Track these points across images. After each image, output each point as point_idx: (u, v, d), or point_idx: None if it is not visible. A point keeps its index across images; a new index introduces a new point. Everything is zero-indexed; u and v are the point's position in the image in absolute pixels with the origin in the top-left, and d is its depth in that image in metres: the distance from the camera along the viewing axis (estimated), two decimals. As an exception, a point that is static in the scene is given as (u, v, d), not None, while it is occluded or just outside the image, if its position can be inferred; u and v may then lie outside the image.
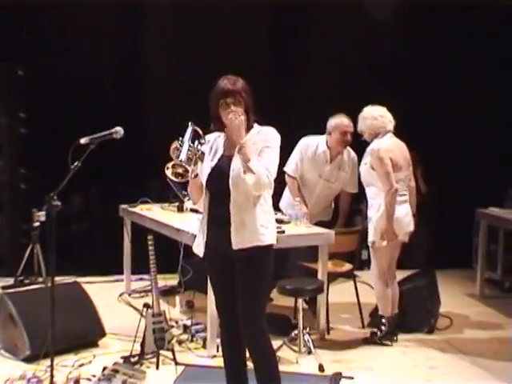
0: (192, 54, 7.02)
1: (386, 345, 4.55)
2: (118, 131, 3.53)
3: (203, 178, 3.14)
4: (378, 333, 4.59)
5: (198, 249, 3.26)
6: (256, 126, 3.18)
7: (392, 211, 4.38)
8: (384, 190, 4.39)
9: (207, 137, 3.20)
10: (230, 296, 3.21)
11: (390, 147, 4.46)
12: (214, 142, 3.22)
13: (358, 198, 7.71)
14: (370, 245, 4.56)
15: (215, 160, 3.16)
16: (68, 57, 6.65)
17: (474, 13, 6.61)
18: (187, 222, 4.67)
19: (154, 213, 5.24)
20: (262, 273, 3.14)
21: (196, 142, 3.07)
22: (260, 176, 3.01)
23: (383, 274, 4.55)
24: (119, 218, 5.56)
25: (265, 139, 3.12)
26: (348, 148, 5.12)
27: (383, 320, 4.58)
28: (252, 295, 3.13)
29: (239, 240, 3.08)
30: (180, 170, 2.92)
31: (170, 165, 2.94)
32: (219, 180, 3.08)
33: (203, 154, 3.10)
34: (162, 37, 7.28)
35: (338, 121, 4.98)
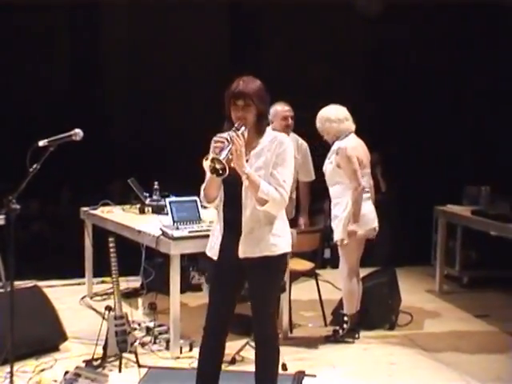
0: (152, 55, 7.02)
1: (348, 342, 4.61)
2: (78, 133, 3.50)
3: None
4: (340, 331, 4.64)
5: (212, 252, 3.14)
6: (268, 130, 3.08)
7: (359, 209, 4.44)
8: (351, 188, 4.44)
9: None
10: (226, 302, 3.16)
11: (355, 146, 4.54)
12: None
13: (321, 197, 7.80)
14: (338, 243, 4.60)
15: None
16: (25, 60, 6.58)
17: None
18: (149, 224, 4.66)
19: (115, 215, 5.20)
20: (272, 281, 3.10)
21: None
22: (274, 199, 2.93)
23: (352, 272, 4.59)
24: (80, 221, 5.50)
25: (280, 150, 3.00)
26: (296, 135, 5.22)
27: (345, 318, 4.63)
28: (264, 302, 3.11)
29: (248, 249, 3.01)
30: (218, 166, 2.81)
31: (209, 157, 2.83)
32: (232, 183, 2.98)
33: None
34: (122, 38, 7.27)
35: (279, 108, 5.09)
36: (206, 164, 2.83)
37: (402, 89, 7.04)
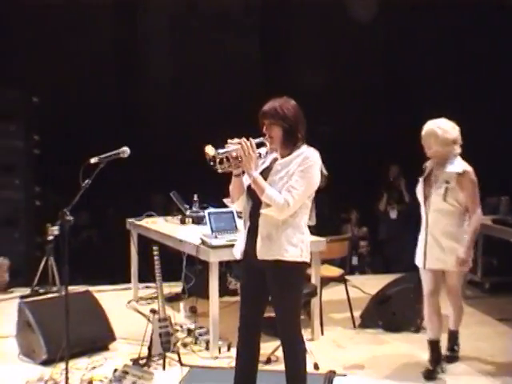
0: (192, 73, 7.08)
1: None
2: (125, 151, 3.55)
3: (245, 185, 3.10)
4: (456, 347, 4.34)
5: (237, 252, 3.20)
6: (303, 147, 3.08)
7: (476, 234, 3.95)
8: (475, 213, 3.89)
9: (260, 150, 3.10)
10: (254, 302, 3.17)
11: None
12: (266, 155, 3.14)
13: (348, 208, 7.75)
14: (455, 269, 3.96)
15: (258, 171, 3.05)
16: (77, 84, 6.74)
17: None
18: (189, 234, 4.70)
19: (159, 225, 5.26)
20: (288, 286, 3.07)
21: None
22: (277, 205, 2.95)
23: (461, 297, 4.27)
24: (126, 231, 5.57)
25: (304, 163, 3.00)
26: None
27: (458, 335, 4.35)
28: (282, 307, 3.10)
29: (264, 251, 3.02)
30: (211, 154, 2.93)
31: (210, 146, 2.96)
32: (255, 192, 3.02)
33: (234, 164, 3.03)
34: (162, 62, 7.37)
35: None
36: (207, 148, 2.95)
37: (418, 101, 6.92)
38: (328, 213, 6.91)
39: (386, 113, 7.28)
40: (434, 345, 4.11)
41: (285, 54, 7.41)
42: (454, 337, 4.35)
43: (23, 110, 6.46)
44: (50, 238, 5.47)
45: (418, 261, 4.10)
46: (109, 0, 6.97)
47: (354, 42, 7.17)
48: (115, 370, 3.88)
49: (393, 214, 7.40)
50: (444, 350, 4.23)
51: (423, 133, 3.97)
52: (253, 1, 7.32)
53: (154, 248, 4.26)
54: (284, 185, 3.01)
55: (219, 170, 2.99)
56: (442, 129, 3.90)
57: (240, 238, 3.23)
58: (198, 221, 5.14)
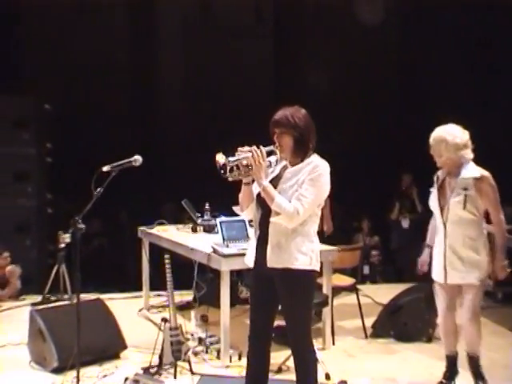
0: (206, 83, 7.12)
1: None
2: (137, 159, 3.57)
3: (255, 193, 3.11)
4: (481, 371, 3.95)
5: (248, 260, 3.22)
6: (313, 157, 3.09)
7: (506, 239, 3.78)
8: (498, 218, 3.76)
9: (271, 158, 3.10)
10: (263, 310, 3.18)
11: None
12: (275, 163, 3.15)
13: (360, 217, 7.73)
14: (476, 283, 3.76)
15: (268, 180, 3.07)
16: (89, 91, 6.78)
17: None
18: (200, 242, 4.71)
19: (170, 233, 5.26)
20: (298, 295, 3.06)
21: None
22: (286, 213, 2.95)
23: (479, 313, 3.86)
24: (138, 239, 5.59)
25: (313, 171, 3.01)
26: None
27: (479, 362, 3.92)
28: (292, 316, 3.09)
29: (274, 260, 3.03)
30: (221, 162, 2.93)
31: (220, 153, 2.96)
32: (265, 201, 3.03)
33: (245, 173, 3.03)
34: (176, 69, 7.41)
35: None
36: (218, 156, 2.94)
37: (431, 109, 6.90)
38: (340, 222, 6.90)
39: (398, 121, 7.27)
40: (450, 360, 4.01)
41: (296, 60, 7.44)
42: (475, 364, 3.93)
43: (36, 118, 6.52)
44: (62, 245, 5.51)
45: (437, 276, 3.91)
46: (120, 7, 7.03)
47: (367, 48, 7.18)
48: (126, 379, 3.89)
49: (405, 224, 7.37)
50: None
51: (432, 141, 3.80)
52: (265, 8, 7.35)
53: (166, 256, 4.27)
54: (294, 193, 3.01)
55: (229, 178, 3.00)
56: (451, 134, 3.73)
57: (250, 247, 3.23)
58: (210, 229, 5.14)
